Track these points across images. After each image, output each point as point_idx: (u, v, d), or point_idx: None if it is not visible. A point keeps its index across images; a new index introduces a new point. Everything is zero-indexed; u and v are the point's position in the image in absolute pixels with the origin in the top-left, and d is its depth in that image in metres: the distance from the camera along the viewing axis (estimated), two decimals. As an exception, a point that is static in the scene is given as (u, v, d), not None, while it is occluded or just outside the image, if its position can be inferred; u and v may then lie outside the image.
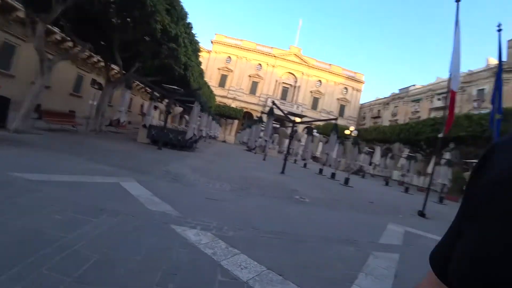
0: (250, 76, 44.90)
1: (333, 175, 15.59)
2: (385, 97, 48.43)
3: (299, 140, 23.49)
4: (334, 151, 12.59)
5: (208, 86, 30.39)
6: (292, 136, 12.71)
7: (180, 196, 4.95)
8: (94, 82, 12.99)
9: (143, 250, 2.70)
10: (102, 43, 12.67)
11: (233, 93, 41.90)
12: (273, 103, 12.63)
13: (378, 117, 47.17)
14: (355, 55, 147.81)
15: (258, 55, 45.44)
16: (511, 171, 0.36)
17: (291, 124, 13.96)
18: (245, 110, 42.65)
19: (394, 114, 43.64)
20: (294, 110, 44.89)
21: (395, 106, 44.25)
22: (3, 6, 12.90)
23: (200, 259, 2.76)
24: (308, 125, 28.54)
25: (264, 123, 23.55)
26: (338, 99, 49.12)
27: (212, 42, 44.76)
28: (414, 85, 44.30)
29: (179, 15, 12.12)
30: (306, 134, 14.51)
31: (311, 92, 47.63)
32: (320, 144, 28.17)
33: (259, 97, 44.45)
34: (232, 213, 4.68)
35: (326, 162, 16.46)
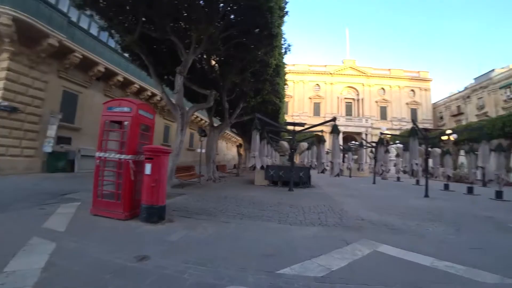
0: (310, 98, 44.17)
1: (470, 190, 13.52)
2: (459, 91, 43.19)
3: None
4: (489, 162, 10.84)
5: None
6: (428, 154, 10.93)
7: (454, 254, 3.65)
8: (201, 130, 12.96)
9: None
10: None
11: (297, 118, 41.35)
12: (413, 121, 11.00)
13: (460, 113, 41.89)
14: (416, 53, 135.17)
15: (314, 75, 44.82)
16: None
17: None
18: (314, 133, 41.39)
19: (480, 107, 38.24)
20: (363, 123, 42.36)
21: (479, 98, 38.92)
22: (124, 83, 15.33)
23: None
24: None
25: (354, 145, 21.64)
26: (407, 103, 45.29)
27: (265, 72, 45.47)
28: (493, 70, 38.77)
29: (280, 44, 11.63)
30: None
31: (376, 102, 44.82)
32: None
33: (324, 117, 43.03)
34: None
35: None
